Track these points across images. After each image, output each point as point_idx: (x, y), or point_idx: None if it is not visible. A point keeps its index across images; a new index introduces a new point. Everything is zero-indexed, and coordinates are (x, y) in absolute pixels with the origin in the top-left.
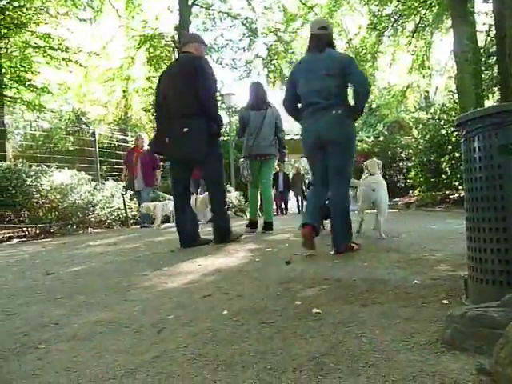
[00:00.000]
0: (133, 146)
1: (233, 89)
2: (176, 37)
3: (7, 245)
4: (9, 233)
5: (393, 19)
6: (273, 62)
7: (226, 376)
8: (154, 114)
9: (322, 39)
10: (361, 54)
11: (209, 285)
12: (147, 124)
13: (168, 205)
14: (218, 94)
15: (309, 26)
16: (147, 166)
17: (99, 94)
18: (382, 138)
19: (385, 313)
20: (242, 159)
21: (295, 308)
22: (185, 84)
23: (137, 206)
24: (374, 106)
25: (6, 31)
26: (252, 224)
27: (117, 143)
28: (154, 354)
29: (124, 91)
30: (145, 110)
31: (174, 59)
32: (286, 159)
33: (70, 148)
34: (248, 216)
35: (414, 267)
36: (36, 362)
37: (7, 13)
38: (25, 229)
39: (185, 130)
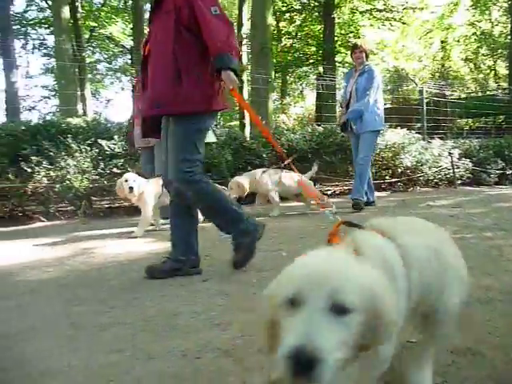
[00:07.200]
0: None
1: None
2: None
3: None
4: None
5: None
6: None
7: None
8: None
9: None
10: None
11: None
12: (467, 75)
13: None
14: None
15: None
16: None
17: (415, 49)
18: None
19: None
20: None
21: None
22: None
23: (466, 165)
24: None
25: (338, 1)
26: None
27: (436, 98)
28: None
29: (442, 41)
30: (465, 60)
31: None
32: None
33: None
34: None
35: None
36: None
37: None
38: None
39: None
